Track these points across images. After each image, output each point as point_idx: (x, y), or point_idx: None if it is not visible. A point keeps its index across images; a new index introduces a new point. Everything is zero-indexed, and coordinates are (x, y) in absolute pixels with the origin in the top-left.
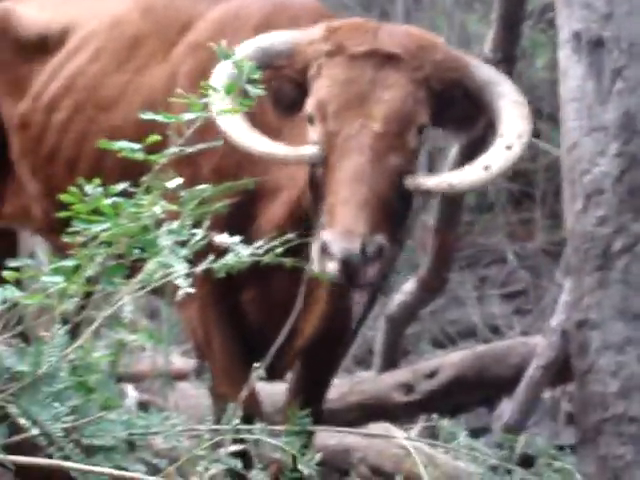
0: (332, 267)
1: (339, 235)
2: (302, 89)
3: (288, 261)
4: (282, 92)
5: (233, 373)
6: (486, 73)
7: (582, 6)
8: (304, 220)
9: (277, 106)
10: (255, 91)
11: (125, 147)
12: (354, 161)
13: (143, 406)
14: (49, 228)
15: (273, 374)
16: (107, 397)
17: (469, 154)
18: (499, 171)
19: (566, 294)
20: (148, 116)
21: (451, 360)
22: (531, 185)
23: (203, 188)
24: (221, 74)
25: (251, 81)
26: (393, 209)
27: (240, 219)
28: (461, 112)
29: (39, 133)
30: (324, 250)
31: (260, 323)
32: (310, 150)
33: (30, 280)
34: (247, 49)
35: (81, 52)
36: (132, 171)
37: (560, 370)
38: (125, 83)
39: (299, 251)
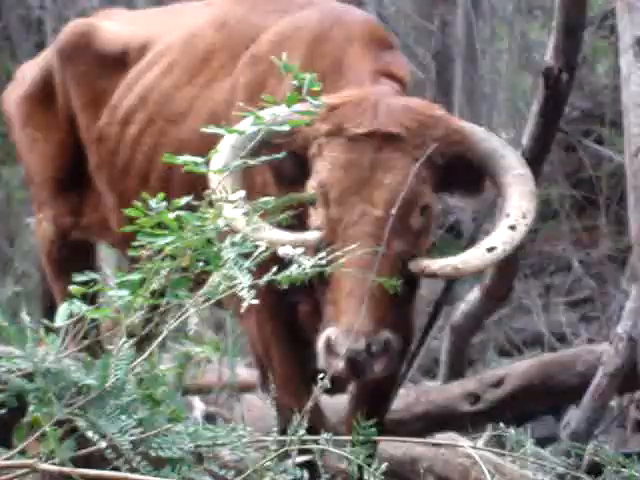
0: (338, 364)
1: (344, 333)
2: (303, 165)
3: (351, 271)
4: (283, 168)
5: (294, 384)
6: (490, 145)
7: None
8: None
9: (277, 181)
10: (316, 103)
11: (188, 161)
12: (356, 250)
13: (210, 418)
14: (125, 240)
15: (335, 388)
16: (174, 409)
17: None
18: (504, 252)
19: (632, 301)
20: (210, 130)
21: (517, 369)
22: (595, 192)
23: (266, 200)
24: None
25: (311, 93)
26: (397, 296)
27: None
28: (465, 181)
29: (114, 146)
30: (329, 347)
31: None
32: (313, 236)
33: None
34: (245, 125)
35: (155, 66)
36: (200, 184)
37: (627, 377)
38: (194, 96)
39: None
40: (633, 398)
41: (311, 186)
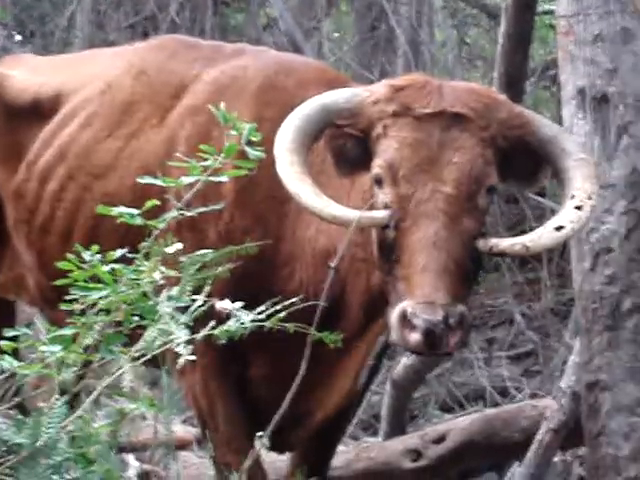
0: (414, 338)
1: (421, 306)
2: (365, 147)
3: (290, 326)
4: (344, 150)
5: (237, 443)
6: (550, 130)
7: (586, 62)
8: (338, 288)
9: (339, 163)
10: (254, 153)
11: (123, 212)
12: (429, 226)
13: (145, 476)
14: (42, 300)
15: (285, 447)
16: (108, 469)
17: None
18: (571, 231)
19: (576, 355)
20: (147, 180)
21: (460, 424)
22: None
23: (203, 253)
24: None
25: (250, 143)
26: (467, 273)
27: (254, 285)
28: (523, 168)
29: (33, 203)
30: (405, 320)
31: (272, 398)
32: (381, 214)
33: (28, 350)
34: (308, 107)
35: (73, 119)
36: (129, 239)
37: (571, 433)
38: (118, 149)
39: (328, 322)
40: (577, 454)
41: (377, 165)
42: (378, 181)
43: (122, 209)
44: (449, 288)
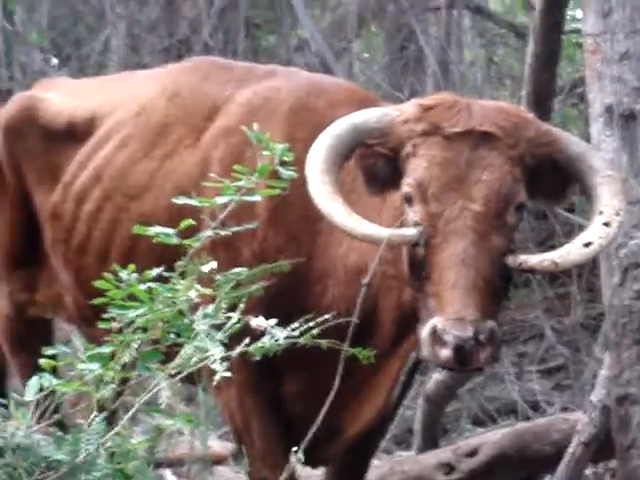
0: (445, 354)
1: (451, 322)
2: (395, 166)
3: (323, 343)
4: (374, 169)
5: (272, 458)
6: (578, 148)
7: (613, 80)
8: (370, 304)
9: (369, 182)
10: (287, 173)
11: (160, 232)
12: (458, 244)
13: None
14: (80, 318)
15: (319, 461)
16: None
17: None
18: (599, 247)
19: (606, 369)
20: (181, 200)
21: (492, 438)
22: None
23: (238, 271)
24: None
25: (283, 163)
26: (497, 289)
27: (287, 302)
28: (551, 185)
29: (70, 224)
30: (435, 336)
31: (306, 416)
32: (411, 232)
33: (67, 367)
34: (339, 126)
35: (108, 141)
36: (165, 258)
37: (602, 446)
38: (153, 170)
39: (360, 338)
40: (608, 466)
41: (407, 183)
42: (408, 199)
43: (158, 229)
44: (478, 304)
